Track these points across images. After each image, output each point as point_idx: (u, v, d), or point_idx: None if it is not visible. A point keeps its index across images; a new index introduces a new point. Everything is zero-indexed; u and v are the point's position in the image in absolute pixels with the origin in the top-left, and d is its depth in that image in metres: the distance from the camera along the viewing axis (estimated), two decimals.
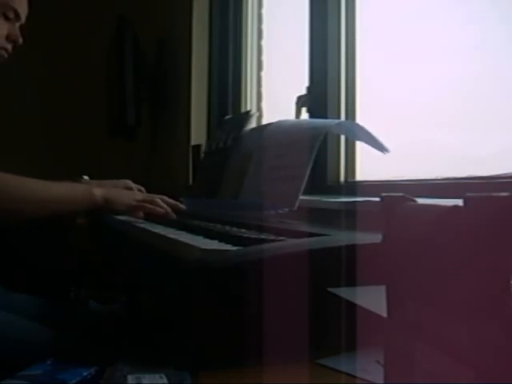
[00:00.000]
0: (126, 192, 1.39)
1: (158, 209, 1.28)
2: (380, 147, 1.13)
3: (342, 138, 1.48)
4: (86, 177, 1.47)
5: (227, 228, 1.00)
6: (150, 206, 1.29)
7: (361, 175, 1.46)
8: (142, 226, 1.22)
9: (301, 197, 1.06)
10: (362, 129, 1.17)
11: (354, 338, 0.63)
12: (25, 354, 1.00)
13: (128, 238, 1.23)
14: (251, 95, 2.21)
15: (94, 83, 2.83)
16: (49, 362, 0.91)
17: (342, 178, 1.48)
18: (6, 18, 1.27)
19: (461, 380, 0.38)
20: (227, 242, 0.81)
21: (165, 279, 0.84)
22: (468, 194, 0.36)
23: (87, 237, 1.97)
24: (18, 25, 1.31)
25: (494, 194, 0.35)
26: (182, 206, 1.33)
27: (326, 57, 1.51)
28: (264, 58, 2.16)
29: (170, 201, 1.32)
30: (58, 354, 0.95)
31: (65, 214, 1.29)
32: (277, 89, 2.04)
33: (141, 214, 1.30)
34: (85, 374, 0.88)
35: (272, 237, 0.83)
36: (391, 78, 1.38)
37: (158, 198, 1.31)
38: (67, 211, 1.29)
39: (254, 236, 0.85)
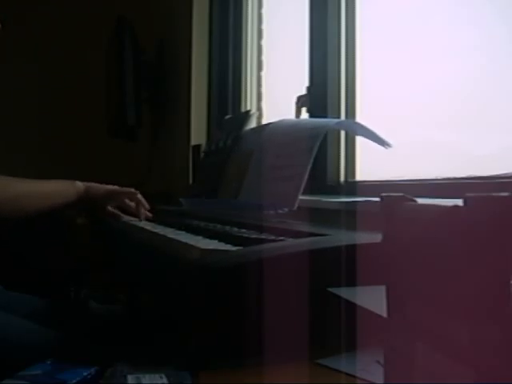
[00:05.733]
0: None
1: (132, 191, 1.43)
2: (382, 142, 1.13)
3: (342, 138, 1.48)
4: (79, 182, 1.52)
5: (227, 228, 1.00)
6: (125, 191, 1.43)
7: (361, 175, 1.46)
8: (141, 225, 1.22)
9: (301, 197, 1.06)
10: (362, 127, 1.17)
11: (354, 337, 0.63)
12: (25, 354, 1.00)
13: (128, 238, 1.23)
14: (251, 95, 2.21)
15: (93, 83, 2.83)
16: (49, 362, 0.91)
17: (342, 178, 1.48)
18: None
19: (461, 380, 0.38)
20: (227, 242, 0.80)
21: (165, 279, 0.84)
22: (468, 194, 0.36)
23: (87, 237, 1.98)
24: None
25: (494, 194, 0.35)
26: (148, 214, 1.44)
27: (325, 57, 1.51)
28: (264, 58, 2.16)
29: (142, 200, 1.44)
30: (57, 354, 0.95)
31: (56, 207, 1.37)
32: (277, 89, 2.04)
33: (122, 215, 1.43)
34: (85, 373, 0.88)
35: (272, 237, 0.83)
36: (391, 78, 1.38)
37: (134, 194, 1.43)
38: (57, 204, 1.37)
39: (253, 236, 0.85)
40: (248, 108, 2.18)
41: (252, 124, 1.52)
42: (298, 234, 0.80)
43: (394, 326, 0.45)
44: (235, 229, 0.97)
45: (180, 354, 0.79)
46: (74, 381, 0.86)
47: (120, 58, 2.50)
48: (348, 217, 1.04)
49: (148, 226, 1.21)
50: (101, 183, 1.51)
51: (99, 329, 1.31)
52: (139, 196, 1.43)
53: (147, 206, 1.44)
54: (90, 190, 1.39)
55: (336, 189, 1.46)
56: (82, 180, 1.51)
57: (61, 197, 1.37)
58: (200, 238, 0.91)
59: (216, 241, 0.85)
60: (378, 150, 1.16)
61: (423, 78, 1.26)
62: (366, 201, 1.03)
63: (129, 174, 2.47)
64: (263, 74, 2.16)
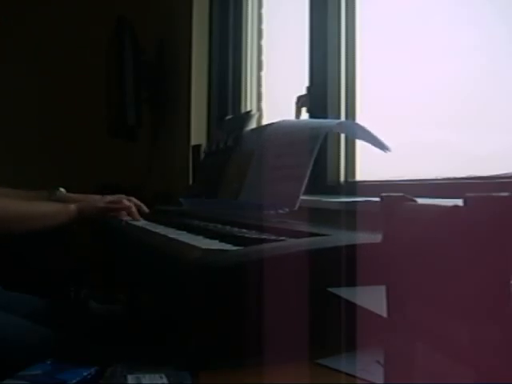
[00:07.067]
0: (94, 198, 1.51)
1: (126, 206, 1.41)
2: (381, 146, 1.14)
3: (342, 138, 1.48)
4: (62, 189, 1.52)
5: (227, 228, 1.00)
6: (117, 206, 1.41)
7: (361, 175, 1.46)
8: (142, 225, 1.22)
9: (301, 197, 1.06)
10: (362, 128, 1.17)
11: (353, 338, 0.63)
12: (25, 354, 1.00)
13: (128, 238, 1.23)
14: (251, 95, 2.21)
15: (93, 83, 2.83)
16: (49, 362, 0.91)
17: (342, 178, 1.48)
18: None
19: (461, 380, 0.38)
20: (227, 242, 0.81)
21: (165, 279, 0.84)
22: (468, 194, 0.36)
23: (87, 237, 1.98)
24: None
25: (494, 194, 0.35)
26: (145, 209, 1.45)
27: (325, 57, 1.51)
28: (264, 58, 2.16)
29: (136, 202, 1.45)
30: (58, 354, 0.95)
31: (47, 228, 1.38)
32: (277, 89, 2.04)
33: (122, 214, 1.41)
34: (85, 373, 0.88)
35: (272, 237, 0.83)
36: (391, 78, 1.38)
37: (125, 199, 1.43)
38: (48, 226, 1.38)
39: (254, 236, 0.85)
40: (248, 108, 2.18)
41: (252, 124, 1.52)
42: (298, 234, 0.80)
43: (394, 326, 0.45)
44: (236, 229, 0.97)
45: (180, 354, 0.79)
46: (74, 381, 0.86)
47: (120, 58, 2.50)
48: (348, 217, 1.04)
49: (148, 226, 1.21)
50: (100, 183, 1.51)
51: (99, 329, 1.31)
52: (123, 213, 1.42)
53: (144, 209, 1.45)
54: (83, 211, 1.40)
55: (336, 189, 1.46)
56: (82, 180, 1.51)
57: (52, 219, 1.38)
58: (200, 237, 0.91)
59: (216, 241, 0.85)
60: (378, 150, 1.16)
61: (423, 78, 1.26)
62: (366, 201, 1.03)
63: (129, 174, 2.47)
64: (263, 73, 2.16)
